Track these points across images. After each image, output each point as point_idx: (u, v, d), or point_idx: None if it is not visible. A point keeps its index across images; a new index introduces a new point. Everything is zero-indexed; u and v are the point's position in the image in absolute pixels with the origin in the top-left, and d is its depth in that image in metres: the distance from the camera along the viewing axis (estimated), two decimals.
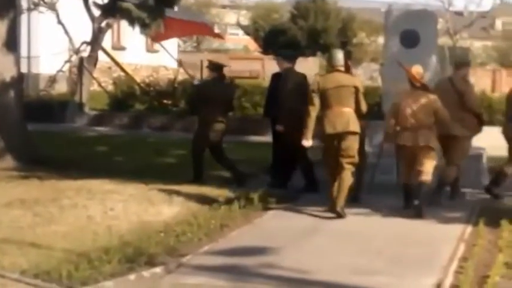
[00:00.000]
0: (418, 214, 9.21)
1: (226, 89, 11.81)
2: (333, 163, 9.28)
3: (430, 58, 11.60)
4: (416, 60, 11.35)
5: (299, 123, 9.55)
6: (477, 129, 10.48)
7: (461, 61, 11.11)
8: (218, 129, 11.29)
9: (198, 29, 18.67)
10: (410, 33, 11.60)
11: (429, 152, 9.49)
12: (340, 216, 9.08)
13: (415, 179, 9.45)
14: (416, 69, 9.76)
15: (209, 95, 11.30)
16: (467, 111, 10.24)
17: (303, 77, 11.17)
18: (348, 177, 9.25)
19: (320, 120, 9.26)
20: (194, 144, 11.44)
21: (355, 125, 9.23)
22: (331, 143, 9.24)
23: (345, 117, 9.20)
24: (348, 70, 9.57)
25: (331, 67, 9.56)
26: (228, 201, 9.57)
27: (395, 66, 11.56)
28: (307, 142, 9.34)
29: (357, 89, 9.38)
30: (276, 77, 12.15)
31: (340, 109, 9.21)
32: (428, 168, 9.49)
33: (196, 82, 12.14)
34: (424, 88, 9.67)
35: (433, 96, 9.60)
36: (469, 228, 8.55)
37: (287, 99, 10.80)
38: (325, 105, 9.24)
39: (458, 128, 10.15)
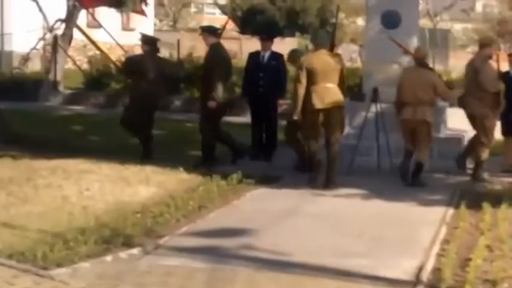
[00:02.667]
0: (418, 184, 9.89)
1: (158, 63, 11.52)
2: (317, 138, 9.76)
3: (411, 39, 11.51)
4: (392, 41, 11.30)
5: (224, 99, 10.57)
6: (495, 108, 10.56)
7: (483, 41, 11.24)
8: (149, 103, 11.19)
9: None
10: (392, 14, 11.50)
11: (426, 126, 10.01)
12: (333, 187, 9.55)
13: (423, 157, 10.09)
14: (417, 48, 10.61)
15: (139, 68, 11.19)
16: (486, 90, 10.35)
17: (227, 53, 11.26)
18: (337, 152, 9.81)
19: (306, 96, 9.60)
20: (124, 117, 11.40)
21: (341, 99, 9.78)
22: (317, 118, 9.63)
23: (332, 92, 9.69)
24: (332, 49, 10.04)
25: (316, 46, 9.99)
26: (225, 176, 9.59)
27: (377, 47, 11.54)
28: (296, 117, 9.72)
29: (342, 67, 9.93)
30: (252, 56, 12.08)
31: (326, 85, 9.64)
32: (423, 147, 10.06)
33: (128, 55, 11.98)
34: (424, 65, 10.20)
35: (430, 72, 10.09)
36: (451, 211, 8.50)
37: (215, 75, 10.73)
38: (311, 82, 9.60)
39: (478, 107, 10.41)
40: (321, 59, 9.73)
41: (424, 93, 9.98)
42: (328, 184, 9.63)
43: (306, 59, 9.93)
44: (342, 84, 9.83)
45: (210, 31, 11.24)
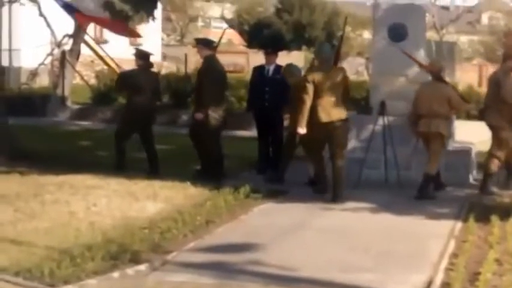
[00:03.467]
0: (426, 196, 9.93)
1: (151, 77, 11.63)
2: (320, 153, 9.92)
3: (418, 52, 11.49)
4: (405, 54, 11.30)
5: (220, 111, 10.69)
6: None
7: (507, 54, 11.19)
8: (142, 117, 11.28)
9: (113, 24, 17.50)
10: (399, 27, 11.48)
11: (440, 139, 10.10)
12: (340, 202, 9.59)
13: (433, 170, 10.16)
14: (432, 62, 10.94)
15: (133, 83, 11.29)
16: (505, 102, 10.36)
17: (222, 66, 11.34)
18: (343, 166, 9.78)
19: (311, 110, 9.64)
20: (118, 130, 11.49)
21: (345, 113, 9.87)
22: (322, 132, 9.68)
23: (337, 106, 9.77)
24: (336, 62, 10.20)
25: (320, 60, 10.05)
26: (236, 188, 9.63)
27: (384, 60, 11.52)
28: (302, 130, 9.68)
29: (346, 81, 10.06)
30: (257, 70, 12.08)
31: (331, 99, 9.71)
32: (433, 159, 10.14)
33: (121, 70, 12.10)
34: (439, 79, 10.32)
35: (445, 86, 10.23)
36: (459, 224, 8.45)
37: (208, 87, 10.78)
38: (316, 96, 9.66)
39: (496, 119, 10.42)
40: (326, 73, 9.83)
41: (439, 106, 10.07)
42: (336, 199, 9.63)
43: (311, 73, 9.99)
44: (346, 98, 9.98)
45: (204, 43, 11.34)
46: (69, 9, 12.76)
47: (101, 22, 14.38)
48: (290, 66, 11.18)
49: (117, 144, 11.49)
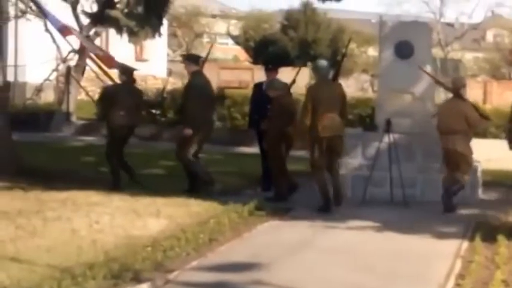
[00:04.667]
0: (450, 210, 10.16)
1: (134, 93, 11.65)
2: (322, 167, 10.27)
3: (425, 69, 11.41)
4: (411, 71, 11.29)
5: (204, 127, 10.81)
6: None
7: None
8: (124, 132, 11.37)
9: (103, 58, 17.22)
10: (405, 44, 11.44)
11: (459, 156, 10.28)
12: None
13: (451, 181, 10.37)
14: (453, 79, 11.05)
15: (116, 98, 11.30)
16: None
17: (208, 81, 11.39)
18: (340, 176, 10.45)
19: (311, 125, 10.02)
20: (107, 150, 11.57)
21: (344, 128, 10.48)
22: (322, 146, 10.13)
23: (336, 122, 10.23)
24: (336, 78, 10.67)
25: (319, 76, 10.50)
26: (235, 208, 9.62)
27: (390, 77, 11.48)
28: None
29: (343, 97, 10.56)
30: (258, 87, 12.03)
31: (330, 114, 10.11)
32: (459, 174, 10.30)
33: (104, 85, 12.12)
34: (458, 96, 10.46)
35: (463, 103, 10.38)
36: (465, 244, 8.35)
37: (194, 103, 10.83)
38: (316, 111, 10.05)
39: None
40: (325, 89, 10.24)
41: (456, 123, 10.23)
42: (340, 201, 10.17)
43: (311, 88, 10.42)
44: (344, 113, 10.49)
45: (191, 59, 11.38)
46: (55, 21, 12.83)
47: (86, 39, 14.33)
48: (274, 81, 11.21)
49: (110, 163, 11.53)
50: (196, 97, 10.89)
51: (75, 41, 15.49)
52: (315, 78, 10.57)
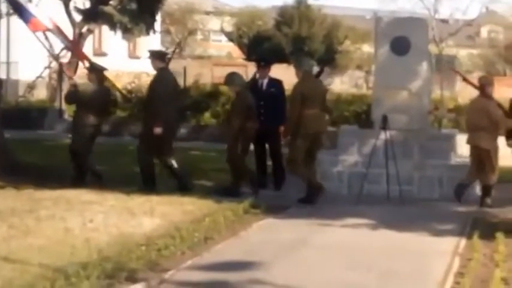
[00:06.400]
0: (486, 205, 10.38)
1: (103, 92, 11.61)
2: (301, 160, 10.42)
3: (421, 65, 11.36)
4: (408, 68, 11.22)
5: (168, 124, 10.68)
6: None
7: None
8: (89, 132, 11.34)
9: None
10: (401, 40, 11.35)
11: (484, 152, 10.44)
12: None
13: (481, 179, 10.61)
14: (479, 77, 11.31)
15: (83, 97, 11.27)
16: None
17: (174, 78, 11.40)
18: (315, 171, 10.70)
19: (298, 121, 10.17)
20: (72, 145, 11.54)
21: (327, 124, 11.03)
22: (307, 142, 10.29)
23: (321, 117, 10.63)
24: (318, 76, 10.70)
25: (304, 72, 10.55)
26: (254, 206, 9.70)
27: (386, 73, 11.42)
28: (286, 140, 10.60)
29: (326, 92, 11.17)
30: (250, 85, 11.94)
31: (315, 110, 10.33)
32: (487, 171, 10.46)
33: (72, 83, 12.06)
34: (484, 94, 10.61)
35: (487, 101, 10.50)
36: (463, 241, 8.27)
37: (159, 99, 10.78)
38: (303, 107, 10.20)
39: None
40: (311, 85, 10.49)
41: (479, 120, 10.43)
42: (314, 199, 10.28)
43: (299, 85, 10.44)
44: (328, 110, 11.14)
45: (157, 56, 11.28)
46: (26, 15, 12.74)
47: (59, 33, 14.22)
48: (233, 74, 11.15)
49: (74, 160, 11.50)
50: (161, 94, 10.84)
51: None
52: (300, 74, 10.50)
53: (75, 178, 11.35)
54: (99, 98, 11.37)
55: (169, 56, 11.59)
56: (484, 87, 10.64)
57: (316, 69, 10.99)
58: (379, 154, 10.76)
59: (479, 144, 10.45)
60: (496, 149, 10.50)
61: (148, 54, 11.35)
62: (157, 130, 10.68)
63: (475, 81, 11.08)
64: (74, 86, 11.74)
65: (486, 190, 10.51)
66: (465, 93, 20.53)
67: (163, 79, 11.00)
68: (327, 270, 7.11)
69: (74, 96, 11.57)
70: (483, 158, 10.50)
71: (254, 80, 11.86)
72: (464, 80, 11.55)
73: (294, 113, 10.29)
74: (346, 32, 42.44)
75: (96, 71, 11.57)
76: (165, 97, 10.81)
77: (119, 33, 21.12)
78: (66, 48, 14.35)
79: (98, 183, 11.09)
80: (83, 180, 11.31)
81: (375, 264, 7.33)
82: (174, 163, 10.99)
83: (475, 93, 11.24)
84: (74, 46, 15.07)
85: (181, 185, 10.96)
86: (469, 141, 10.65)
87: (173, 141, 11.27)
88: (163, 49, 43.45)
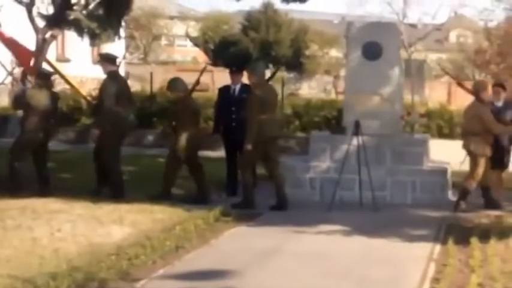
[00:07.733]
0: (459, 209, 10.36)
1: (50, 97, 11.43)
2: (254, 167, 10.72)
3: (393, 70, 11.31)
4: (379, 73, 11.17)
5: (119, 127, 10.72)
6: None
7: None
8: (39, 137, 11.11)
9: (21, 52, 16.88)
10: (373, 45, 11.29)
11: (474, 157, 10.46)
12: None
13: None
14: (474, 82, 11.56)
15: (30, 102, 11.11)
16: None
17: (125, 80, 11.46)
18: (282, 178, 10.51)
19: (259, 125, 10.13)
20: (13, 148, 11.28)
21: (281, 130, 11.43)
22: (265, 145, 10.29)
23: (278, 123, 11.04)
24: (269, 80, 10.56)
25: (258, 77, 10.54)
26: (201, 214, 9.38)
27: (358, 79, 11.37)
28: (250, 147, 10.20)
29: (277, 97, 11.11)
30: (223, 90, 11.85)
31: (272, 115, 10.40)
32: (471, 173, 10.48)
33: (18, 88, 11.89)
34: (478, 99, 10.61)
35: (480, 105, 10.55)
36: (438, 247, 8.21)
37: (107, 103, 10.76)
38: (262, 112, 10.20)
39: None
40: (268, 90, 10.60)
41: (470, 124, 10.50)
42: (286, 205, 10.23)
43: (258, 90, 10.34)
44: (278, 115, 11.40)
45: (107, 59, 11.20)
46: None
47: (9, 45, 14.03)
48: (176, 80, 11.11)
49: (11, 163, 11.20)
50: (112, 97, 10.76)
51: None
52: (253, 79, 10.46)
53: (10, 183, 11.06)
54: (47, 103, 11.19)
55: (120, 60, 11.43)
56: (478, 92, 10.65)
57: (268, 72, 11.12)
58: (352, 160, 10.67)
59: (469, 148, 10.50)
60: (484, 155, 10.44)
61: (99, 58, 11.26)
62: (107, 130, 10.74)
63: (464, 84, 11.16)
64: (22, 91, 11.56)
65: (463, 194, 10.47)
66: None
67: (111, 82, 10.93)
68: (302, 277, 7.01)
69: (22, 100, 11.35)
70: (471, 163, 10.53)
71: (226, 86, 11.75)
72: (459, 84, 11.61)
73: (255, 119, 10.16)
74: (313, 37, 42.42)
75: (43, 77, 11.40)
76: (115, 101, 10.75)
77: (84, 38, 20.77)
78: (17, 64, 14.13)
79: (14, 191, 10.76)
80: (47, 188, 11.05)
81: (350, 271, 7.25)
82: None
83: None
84: (21, 56, 14.82)
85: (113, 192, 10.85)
86: (464, 146, 10.66)
87: (120, 145, 11.13)
88: (127, 55, 43.19)
